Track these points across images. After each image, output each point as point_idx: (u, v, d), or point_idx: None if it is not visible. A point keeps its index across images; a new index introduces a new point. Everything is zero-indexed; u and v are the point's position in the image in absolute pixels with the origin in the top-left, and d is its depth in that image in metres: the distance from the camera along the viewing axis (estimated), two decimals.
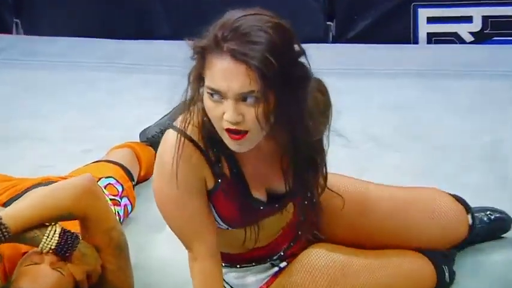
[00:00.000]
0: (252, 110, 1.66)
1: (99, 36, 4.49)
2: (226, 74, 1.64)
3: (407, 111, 3.42)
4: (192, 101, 1.74)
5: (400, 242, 2.12)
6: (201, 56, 1.68)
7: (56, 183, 2.12)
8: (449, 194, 2.23)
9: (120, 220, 2.46)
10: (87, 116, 3.55)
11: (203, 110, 1.72)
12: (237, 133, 1.69)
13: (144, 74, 4.01)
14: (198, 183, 1.82)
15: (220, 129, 1.71)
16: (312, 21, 4.23)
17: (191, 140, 1.78)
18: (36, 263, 1.98)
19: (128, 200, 2.57)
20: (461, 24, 4.18)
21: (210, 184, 1.84)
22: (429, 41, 4.23)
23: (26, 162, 3.08)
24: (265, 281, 2.03)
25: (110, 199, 2.45)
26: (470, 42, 4.18)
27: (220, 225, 1.90)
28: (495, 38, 4.15)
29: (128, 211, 2.58)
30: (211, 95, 1.67)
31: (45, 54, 4.33)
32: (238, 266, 2.04)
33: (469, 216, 2.21)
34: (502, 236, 2.42)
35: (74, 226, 2.08)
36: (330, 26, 4.33)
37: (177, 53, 4.64)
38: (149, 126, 3.05)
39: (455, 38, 4.20)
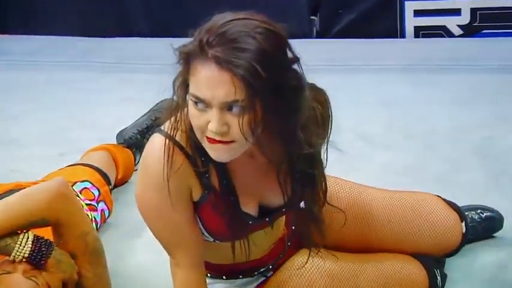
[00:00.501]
0: (237, 120, 1.60)
1: (75, 34, 4.44)
2: (210, 81, 1.58)
3: (396, 107, 3.43)
4: (179, 108, 1.68)
5: (394, 247, 2.10)
6: (186, 61, 1.62)
7: (26, 188, 2.07)
8: (445, 201, 2.23)
9: (97, 226, 2.43)
10: (61, 117, 3.51)
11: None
12: (220, 141, 1.64)
13: (121, 73, 3.99)
14: (184, 192, 1.76)
15: (201, 136, 1.65)
16: (295, 15, 4.20)
17: (180, 147, 1.72)
18: (8, 272, 1.92)
19: (105, 204, 2.53)
20: (449, 17, 4.19)
21: (197, 195, 1.78)
22: (416, 35, 4.24)
23: None
24: None
25: (86, 204, 2.42)
26: (459, 36, 4.17)
27: (207, 237, 1.85)
28: (484, 31, 4.14)
29: (105, 216, 2.54)
30: (196, 103, 1.61)
31: (16, 53, 4.30)
32: (224, 277, 2.00)
33: (463, 225, 2.21)
34: (493, 235, 2.40)
35: (47, 233, 2.02)
36: (314, 20, 4.32)
37: (155, 51, 4.62)
38: (126, 128, 3.02)
39: (443, 32, 4.20)
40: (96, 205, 2.47)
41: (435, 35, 4.21)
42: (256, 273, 1.99)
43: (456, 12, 4.17)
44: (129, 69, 4.00)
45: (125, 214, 2.62)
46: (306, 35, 4.23)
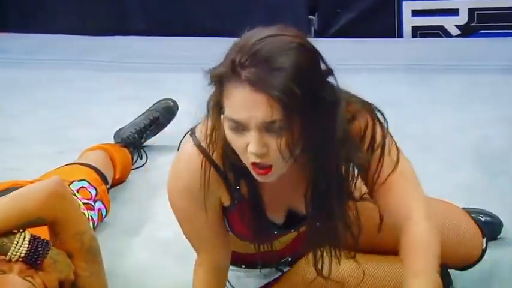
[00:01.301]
0: (275, 141, 1.57)
1: (72, 32, 4.43)
2: (246, 104, 1.54)
3: (393, 107, 3.34)
4: (214, 130, 1.66)
5: None
6: (219, 84, 1.58)
7: (22, 188, 2.06)
8: (470, 216, 2.16)
9: (94, 225, 2.42)
10: (59, 116, 3.50)
11: (224, 134, 1.63)
12: (263, 167, 1.61)
13: (119, 72, 3.99)
14: (213, 201, 1.77)
15: (246, 161, 1.63)
16: (293, 14, 4.19)
17: (214, 165, 1.71)
18: (4, 272, 1.90)
19: (102, 204, 2.52)
20: (447, 17, 4.18)
21: (226, 203, 1.79)
22: (414, 35, 4.23)
23: None
24: (265, 283, 1.99)
25: (83, 203, 2.41)
26: (457, 36, 4.16)
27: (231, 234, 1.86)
28: (482, 31, 4.13)
29: (102, 215, 2.53)
30: (232, 125, 1.58)
31: (14, 51, 4.30)
32: (243, 266, 1.99)
33: (484, 241, 2.12)
34: None
35: (43, 233, 2.01)
36: (312, 20, 4.31)
37: (154, 50, 4.59)
38: (123, 127, 3.02)
39: (441, 32, 4.19)
40: (93, 204, 2.46)
41: (433, 35, 4.20)
42: (275, 264, 1.97)
43: (454, 12, 4.17)
44: (127, 68, 3.99)
45: (122, 213, 2.62)
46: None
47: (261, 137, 1.56)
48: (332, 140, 1.62)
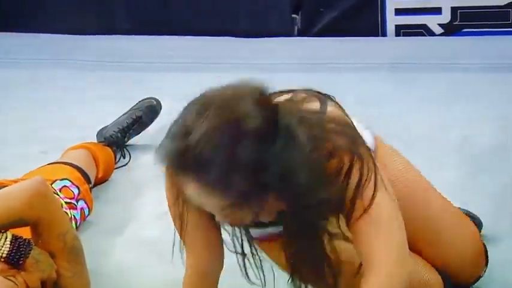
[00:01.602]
0: (240, 213, 1.58)
1: (57, 32, 4.43)
2: (198, 196, 1.56)
3: (377, 106, 3.42)
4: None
5: (422, 252, 1.96)
6: (169, 168, 1.60)
7: (4, 188, 2.06)
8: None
9: (76, 224, 2.42)
10: (42, 115, 3.50)
11: None
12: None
13: (103, 71, 3.99)
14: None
15: None
16: (277, 13, 4.19)
17: None
18: None
19: (85, 203, 2.52)
20: (430, 15, 4.19)
21: None
22: (398, 34, 4.24)
23: None
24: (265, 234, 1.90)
25: (66, 202, 2.41)
26: (440, 35, 4.19)
27: None
28: (464, 30, 4.16)
29: (84, 214, 2.52)
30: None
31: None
32: None
33: (484, 270, 2.09)
34: None
35: (25, 233, 2.01)
36: (296, 18, 4.32)
37: (137, 49, 4.58)
38: (107, 126, 3.02)
39: (424, 30, 4.21)
40: (76, 203, 2.46)
41: (416, 33, 4.22)
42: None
43: (437, 11, 4.18)
44: (110, 67, 3.99)
45: (105, 212, 2.62)
46: (288, 33, 4.22)
47: (224, 214, 1.58)
48: (304, 194, 1.56)
